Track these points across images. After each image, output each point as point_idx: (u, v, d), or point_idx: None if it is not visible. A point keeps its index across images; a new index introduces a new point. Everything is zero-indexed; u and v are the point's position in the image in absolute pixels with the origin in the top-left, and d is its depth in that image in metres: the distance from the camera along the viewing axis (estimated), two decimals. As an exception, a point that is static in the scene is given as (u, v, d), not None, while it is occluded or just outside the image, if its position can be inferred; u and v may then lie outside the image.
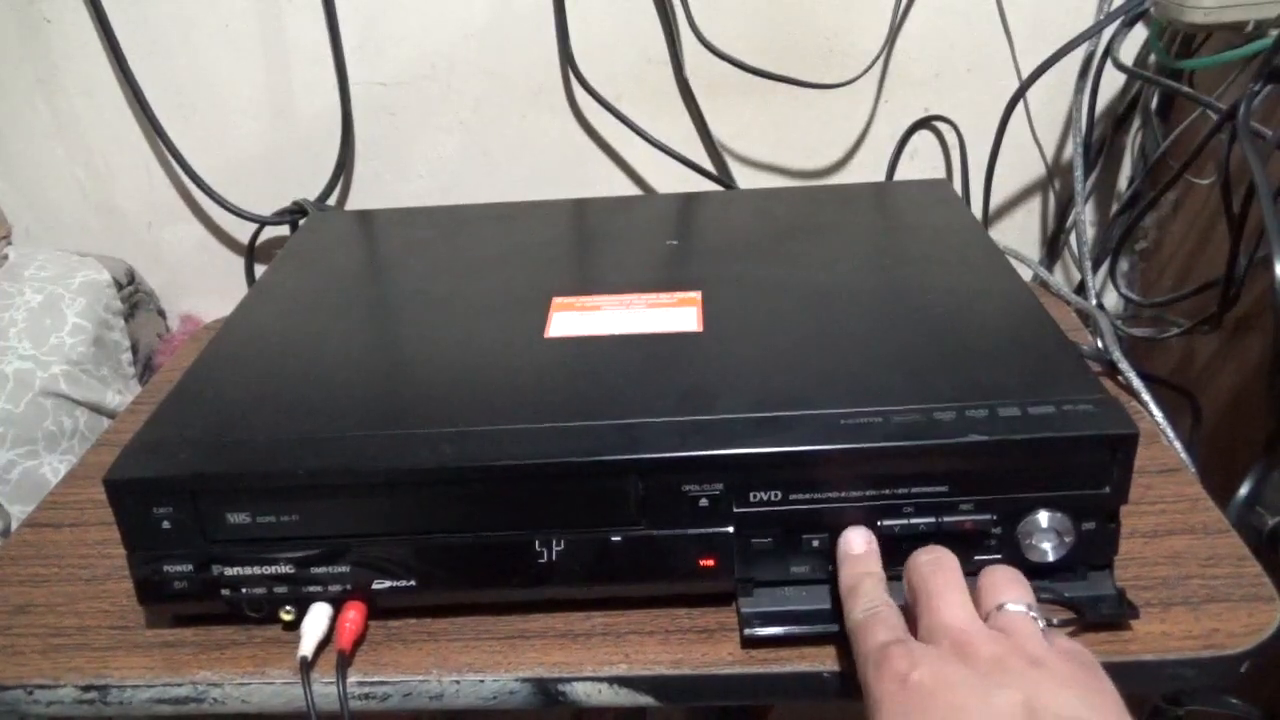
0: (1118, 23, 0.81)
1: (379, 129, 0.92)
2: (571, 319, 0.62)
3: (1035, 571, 0.50)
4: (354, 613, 0.52)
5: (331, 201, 0.94)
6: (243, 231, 0.95)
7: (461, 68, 0.89)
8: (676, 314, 0.61)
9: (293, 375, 0.58)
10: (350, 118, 0.90)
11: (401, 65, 0.89)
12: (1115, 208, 0.91)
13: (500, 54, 0.88)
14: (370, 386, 0.57)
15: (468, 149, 0.92)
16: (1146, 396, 0.67)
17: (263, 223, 0.92)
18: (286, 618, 0.53)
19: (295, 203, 0.91)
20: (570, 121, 0.91)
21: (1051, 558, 0.50)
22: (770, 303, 0.62)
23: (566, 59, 0.88)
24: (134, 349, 0.88)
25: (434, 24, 0.87)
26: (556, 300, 0.64)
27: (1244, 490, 0.63)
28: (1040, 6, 0.85)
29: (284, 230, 0.94)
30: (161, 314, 0.96)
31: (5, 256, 0.86)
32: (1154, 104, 0.84)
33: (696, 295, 0.63)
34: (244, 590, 0.52)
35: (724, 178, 0.92)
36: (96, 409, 0.81)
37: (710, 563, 0.51)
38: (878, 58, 0.87)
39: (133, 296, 0.90)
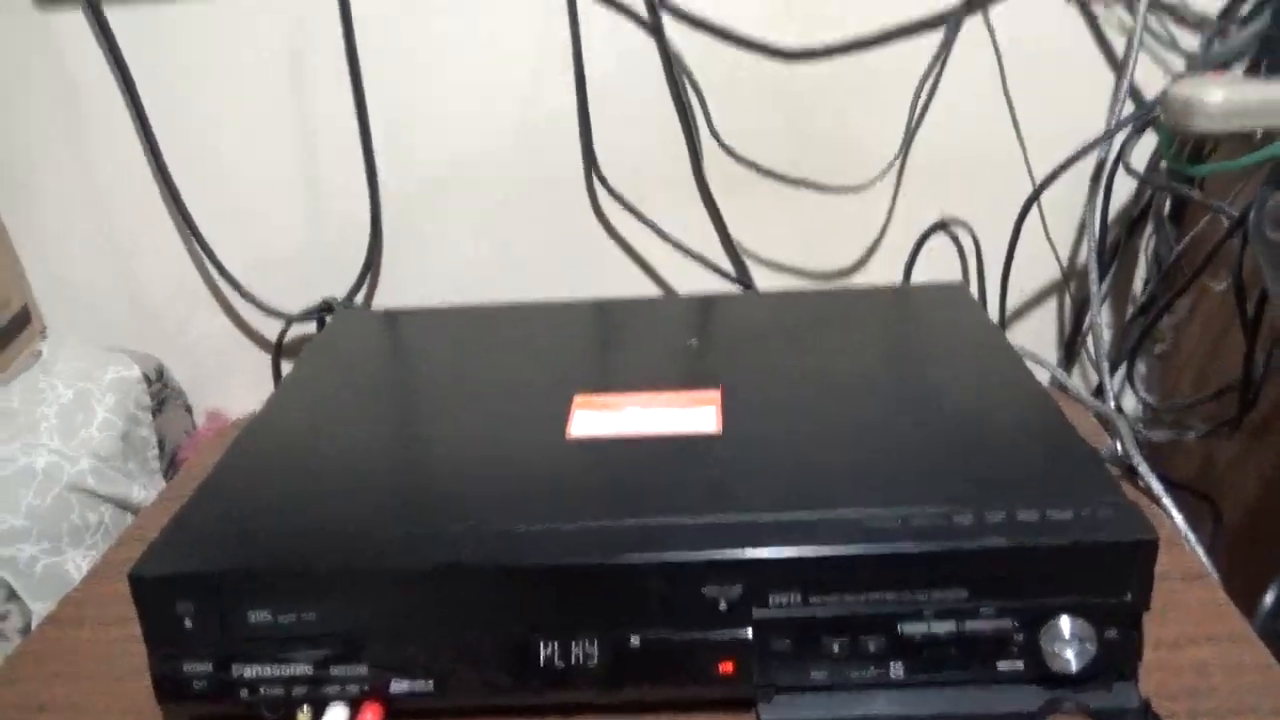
0: (1128, 129, 0.83)
1: (407, 228, 0.94)
2: (592, 418, 0.62)
3: (1059, 682, 0.50)
4: (370, 715, 0.52)
5: (359, 298, 0.96)
6: (270, 328, 0.96)
7: (488, 169, 0.91)
8: (696, 413, 0.62)
9: (317, 472, 0.59)
10: (379, 217, 0.92)
11: (430, 167, 0.91)
12: (1131, 311, 0.91)
13: (525, 156, 0.91)
14: (393, 484, 0.57)
15: (493, 248, 0.95)
16: (1167, 501, 0.67)
17: (290, 320, 0.94)
18: (303, 718, 0.52)
19: (323, 300, 0.93)
20: (593, 222, 0.94)
21: (1074, 667, 0.49)
22: (789, 402, 0.63)
23: (589, 161, 0.90)
24: (160, 445, 0.89)
25: (462, 127, 0.90)
26: (578, 399, 0.65)
27: (1269, 597, 0.62)
28: (1052, 113, 0.87)
29: (311, 327, 0.95)
30: (188, 410, 0.97)
31: (39, 353, 0.88)
32: (1166, 209, 0.86)
33: (716, 394, 0.64)
34: (262, 690, 0.52)
35: (743, 278, 0.93)
36: (121, 504, 0.81)
37: (729, 668, 0.51)
38: (894, 161, 0.89)
39: (161, 392, 0.92)
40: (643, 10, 0.85)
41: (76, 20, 0.87)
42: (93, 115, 0.90)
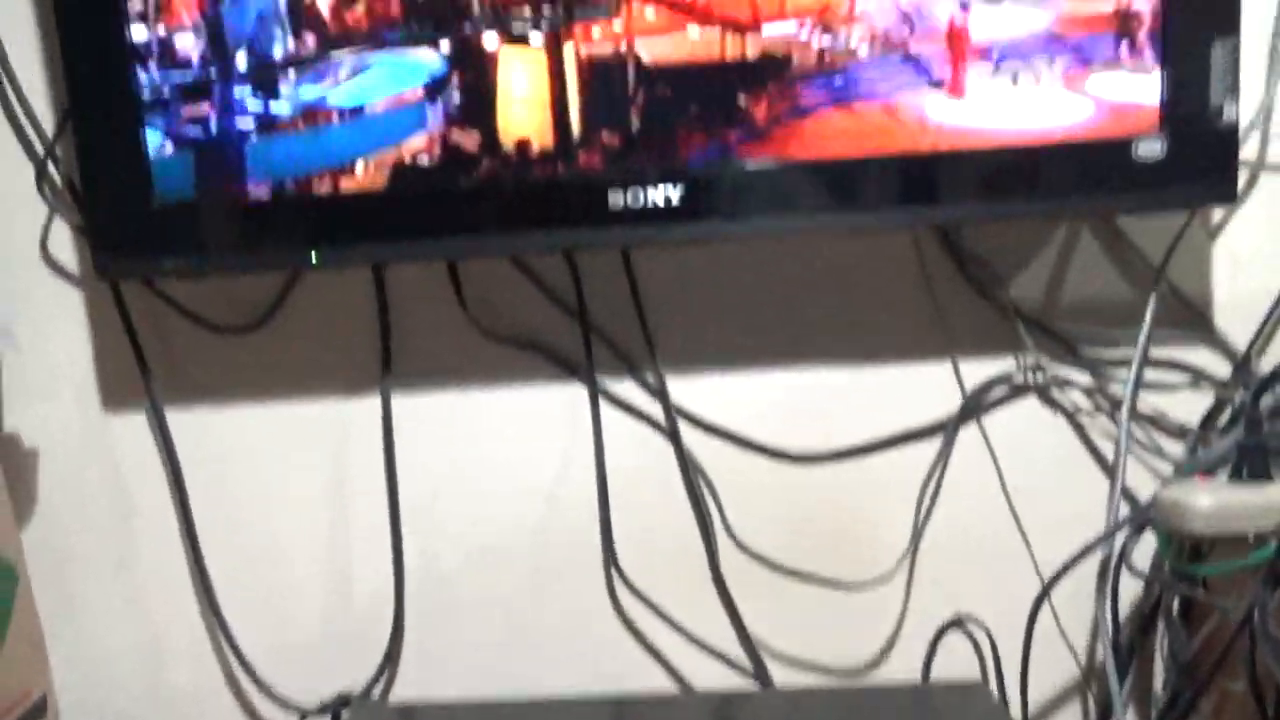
0: (1127, 530, 0.85)
1: (429, 618, 0.95)
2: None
3: None
4: None
5: (379, 687, 0.95)
6: (284, 721, 0.96)
7: (511, 563, 0.95)
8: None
9: None
10: (402, 611, 0.94)
11: (456, 560, 0.95)
12: (1155, 713, 0.90)
13: (548, 551, 0.94)
14: None
15: (513, 639, 0.96)
16: None
17: (305, 715, 0.93)
18: None
19: (339, 695, 0.93)
20: (611, 615, 0.95)
21: None
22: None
23: (609, 556, 0.94)
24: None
25: (489, 523, 0.94)
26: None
27: None
28: (1052, 511, 0.91)
29: (326, 722, 0.94)
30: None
31: (48, 744, 0.87)
32: (1175, 607, 0.87)
33: (735, 800, 0.63)
34: None
35: (760, 674, 0.93)
36: None
37: None
38: (903, 558, 0.92)
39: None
40: (661, 417, 0.92)
41: (138, 421, 0.94)
42: (139, 506, 0.95)
